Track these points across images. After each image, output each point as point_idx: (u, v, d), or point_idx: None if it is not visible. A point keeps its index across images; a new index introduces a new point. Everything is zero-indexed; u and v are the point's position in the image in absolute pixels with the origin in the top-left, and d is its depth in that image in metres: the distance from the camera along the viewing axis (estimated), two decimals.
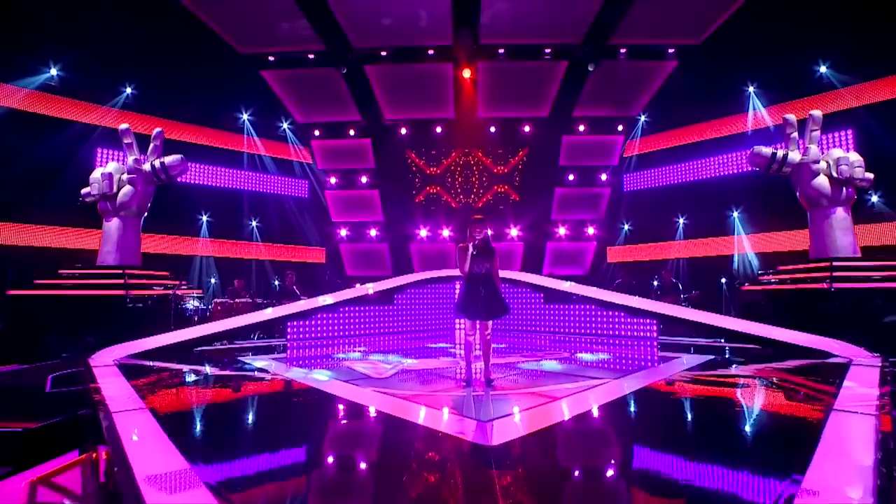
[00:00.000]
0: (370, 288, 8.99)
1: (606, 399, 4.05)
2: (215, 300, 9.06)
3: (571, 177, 13.37)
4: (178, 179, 10.15)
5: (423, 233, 13.41)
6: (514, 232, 13.20)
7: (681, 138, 12.53)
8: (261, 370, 5.54)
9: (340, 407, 4.03)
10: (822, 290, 7.03)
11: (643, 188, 13.23)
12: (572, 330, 8.55)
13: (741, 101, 11.48)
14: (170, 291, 8.10)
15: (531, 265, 13.06)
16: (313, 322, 7.99)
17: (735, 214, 11.65)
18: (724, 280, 11.92)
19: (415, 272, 13.31)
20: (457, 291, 5.50)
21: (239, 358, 6.25)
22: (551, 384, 4.66)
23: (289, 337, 7.74)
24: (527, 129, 13.21)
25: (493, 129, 13.27)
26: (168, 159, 8.45)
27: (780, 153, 8.00)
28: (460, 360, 5.56)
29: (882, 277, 6.83)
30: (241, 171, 12.95)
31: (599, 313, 8.26)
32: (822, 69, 10.32)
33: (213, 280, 12.28)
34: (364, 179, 13.66)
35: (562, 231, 13.38)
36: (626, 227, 13.55)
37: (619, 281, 10.71)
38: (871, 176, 7.45)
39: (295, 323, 7.79)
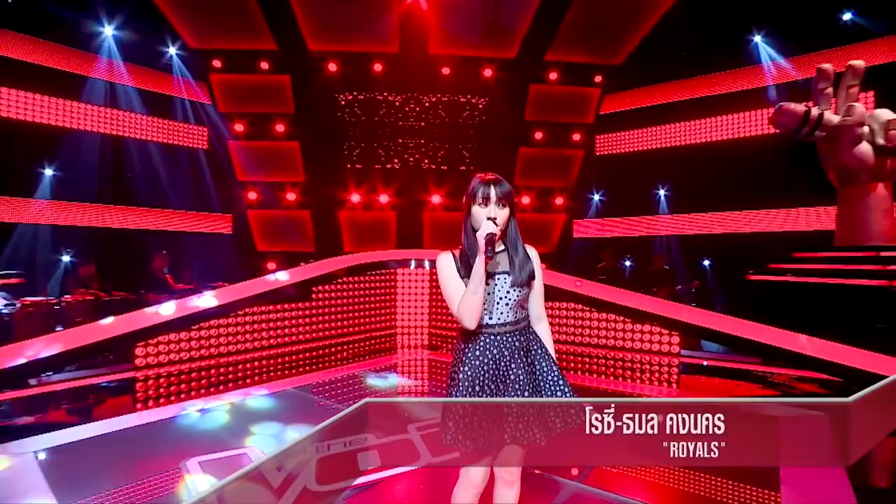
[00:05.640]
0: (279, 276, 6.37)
1: None
2: (23, 299, 5.99)
3: (539, 135, 11.09)
4: None
5: (356, 198, 10.75)
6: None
7: (669, 94, 10.49)
8: None
9: None
10: (878, 289, 5.48)
11: (620, 152, 11.19)
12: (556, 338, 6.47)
13: (745, 53, 9.56)
14: None
15: None
16: (182, 337, 5.28)
17: (731, 186, 9.87)
18: (707, 263, 10.35)
19: (344, 247, 10.78)
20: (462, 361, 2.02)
21: None
22: None
23: (137, 363, 4.99)
24: (488, 72, 10.67)
25: (446, 71, 10.60)
26: None
27: (815, 111, 6.13)
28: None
29: None
30: (105, 108, 9.40)
31: (593, 316, 6.21)
32: (847, 16, 8.56)
33: (65, 258, 9.01)
34: (280, 128, 10.64)
35: (525, 200, 11.19)
36: (598, 197, 11.60)
37: (603, 264, 8.74)
38: None
39: (149, 342, 5.04)
